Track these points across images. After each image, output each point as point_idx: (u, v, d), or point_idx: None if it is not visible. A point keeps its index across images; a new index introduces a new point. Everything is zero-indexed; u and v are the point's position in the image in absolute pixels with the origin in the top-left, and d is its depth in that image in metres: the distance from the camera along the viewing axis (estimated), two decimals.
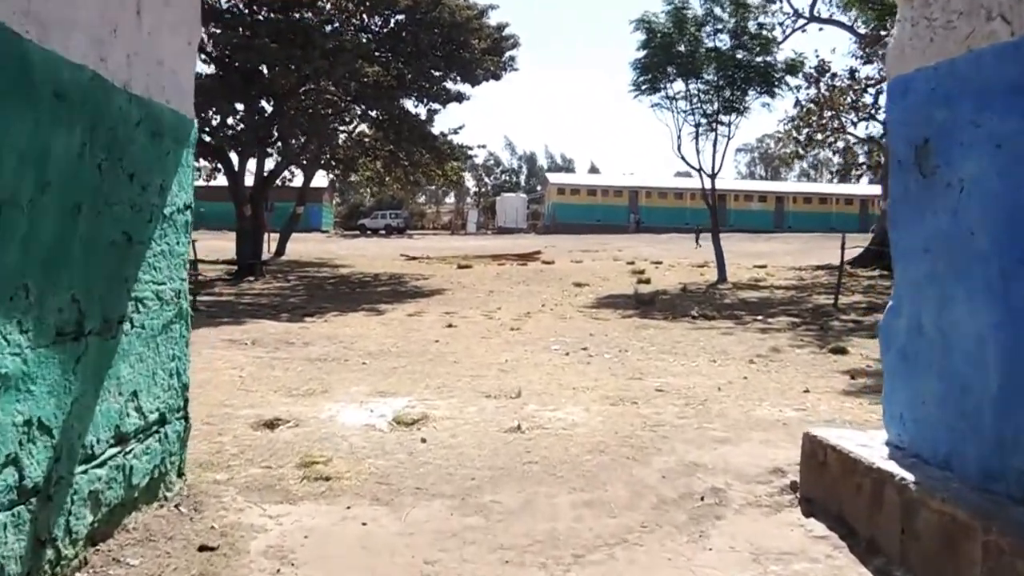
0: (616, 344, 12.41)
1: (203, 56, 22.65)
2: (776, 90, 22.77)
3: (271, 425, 7.11)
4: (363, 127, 27.29)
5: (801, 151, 31.38)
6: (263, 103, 22.10)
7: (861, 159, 36.12)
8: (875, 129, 29.31)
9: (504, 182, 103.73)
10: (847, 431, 5.30)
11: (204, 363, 10.37)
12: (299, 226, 64.20)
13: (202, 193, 42.85)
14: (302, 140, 23.43)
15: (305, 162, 29.75)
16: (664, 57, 22.46)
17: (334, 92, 22.68)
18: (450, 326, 14.16)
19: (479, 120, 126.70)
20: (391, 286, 22.46)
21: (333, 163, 28.24)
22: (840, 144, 30.97)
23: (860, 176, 37.11)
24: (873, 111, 28.69)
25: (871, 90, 28.81)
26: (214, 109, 20.69)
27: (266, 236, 35.86)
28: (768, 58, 22.45)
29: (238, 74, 20.65)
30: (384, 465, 5.90)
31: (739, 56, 22.20)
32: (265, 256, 32.86)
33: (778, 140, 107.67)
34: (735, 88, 22.36)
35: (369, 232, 65.55)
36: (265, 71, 20.27)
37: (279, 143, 23.39)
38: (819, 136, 30.03)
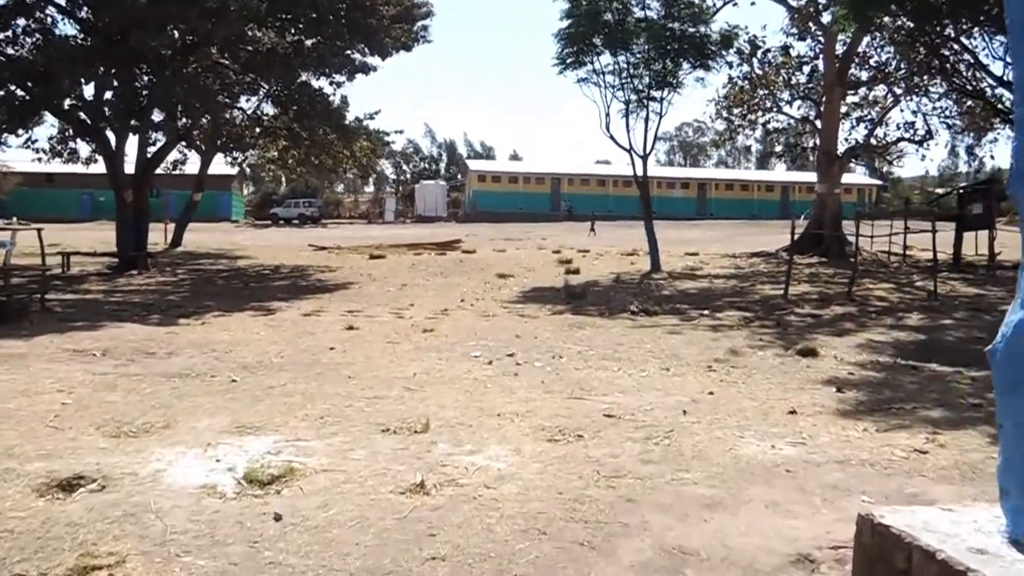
0: (548, 348, 10.43)
1: (65, 17, 19.75)
2: (711, 63, 21.10)
3: (68, 487, 4.96)
4: (260, 103, 24.64)
5: (732, 132, 29.74)
6: (139, 72, 19.23)
7: (779, 145, 34.74)
8: (809, 110, 27.90)
9: (424, 170, 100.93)
10: (932, 514, 3.37)
11: (25, 383, 8.09)
12: (206, 216, 61.06)
13: (96, 181, 38.90)
14: (185, 116, 20.63)
15: (200, 143, 26.91)
16: (590, 27, 20.54)
17: (221, 60, 19.97)
18: (351, 328, 11.96)
19: (397, 106, 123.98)
20: (291, 280, 20.03)
21: (229, 144, 25.35)
22: (772, 125, 29.48)
23: (795, 159, 35.10)
24: (807, 91, 27.29)
25: (805, 68, 27.42)
26: (69, 77, 17.67)
27: (163, 226, 33.16)
28: (703, 29, 20.72)
29: (102, 37, 17.83)
30: (205, 570, 3.78)
31: (671, 27, 20.41)
32: (161, 247, 30.13)
33: (696, 128, 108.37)
34: (668, 60, 20.58)
35: (282, 222, 62.53)
36: (136, 33, 17.36)
37: (156, 118, 20.50)
38: (750, 116, 28.47)
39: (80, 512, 4.53)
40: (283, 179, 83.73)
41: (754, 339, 11.29)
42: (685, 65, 20.90)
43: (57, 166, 30.98)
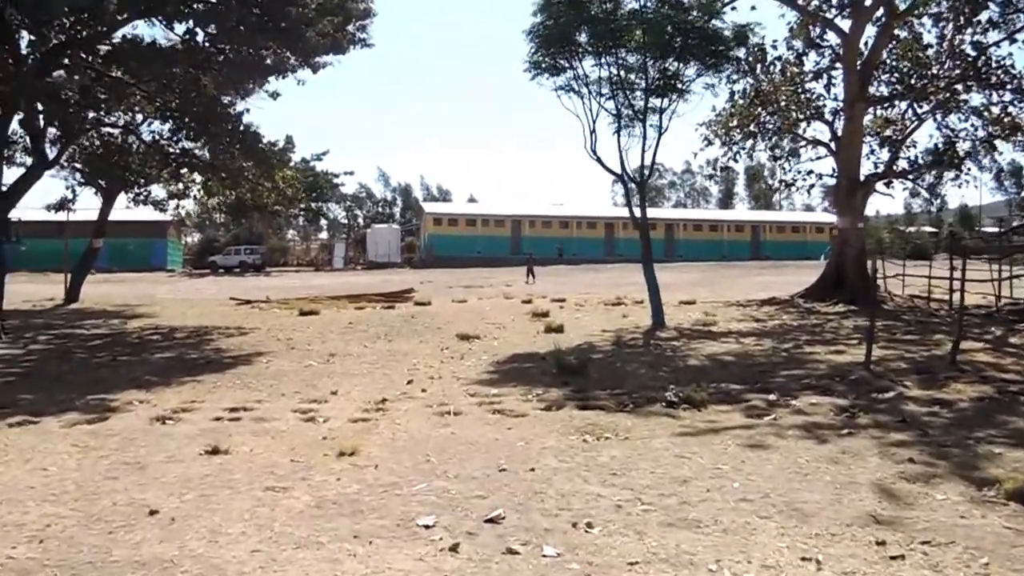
0: (560, 497, 5.72)
1: None
2: (724, 64, 16.83)
3: None
4: (175, 133, 19.70)
5: (732, 158, 25.16)
6: None
7: (787, 174, 30.02)
8: (821, 132, 23.53)
9: (377, 214, 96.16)
10: None
11: None
12: (138, 265, 55.51)
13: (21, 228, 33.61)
14: (25, 127, 15.62)
15: (96, 176, 21.90)
16: (573, 18, 16.18)
17: (80, 59, 14.99)
18: (214, 452, 7.06)
19: (349, 151, 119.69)
20: (180, 349, 14.95)
21: (126, 174, 20.22)
22: (778, 151, 25.02)
23: (809, 189, 29.29)
24: (821, 107, 23.03)
25: (818, 83, 23.11)
26: None
27: (64, 276, 27.97)
28: (715, 22, 16.46)
29: None
30: None
31: (676, 18, 16.08)
32: (56, 302, 25.05)
33: (655, 171, 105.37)
34: (672, 59, 16.24)
35: (221, 271, 57.39)
36: None
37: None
38: (751, 141, 24.11)
39: None
40: (230, 226, 78.46)
41: (896, 458, 6.70)
42: (693, 66, 16.58)
43: None
